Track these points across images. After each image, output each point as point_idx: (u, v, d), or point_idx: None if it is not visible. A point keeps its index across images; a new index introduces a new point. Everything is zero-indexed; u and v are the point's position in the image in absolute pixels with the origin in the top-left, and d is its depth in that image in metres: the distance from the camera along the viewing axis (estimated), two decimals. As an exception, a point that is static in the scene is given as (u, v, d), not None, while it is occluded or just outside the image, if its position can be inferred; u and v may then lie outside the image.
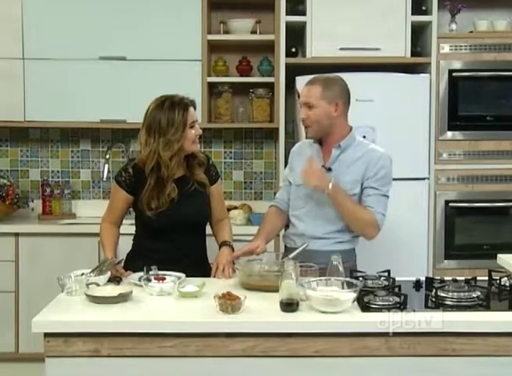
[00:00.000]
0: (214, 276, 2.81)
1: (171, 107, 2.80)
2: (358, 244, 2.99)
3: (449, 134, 4.08)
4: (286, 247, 3.05)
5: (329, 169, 2.88)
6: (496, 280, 2.63)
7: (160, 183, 2.82)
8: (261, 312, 2.30)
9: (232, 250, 2.87)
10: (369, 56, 4.04)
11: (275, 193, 3.51)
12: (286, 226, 3.13)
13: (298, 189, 2.95)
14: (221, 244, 2.92)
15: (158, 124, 2.79)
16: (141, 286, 2.54)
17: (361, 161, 2.86)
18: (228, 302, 2.26)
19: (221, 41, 4.38)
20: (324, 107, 2.82)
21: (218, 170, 3.07)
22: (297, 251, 2.70)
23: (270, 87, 4.33)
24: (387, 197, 2.87)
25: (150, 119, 2.81)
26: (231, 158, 4.63)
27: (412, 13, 4.05)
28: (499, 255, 3.18)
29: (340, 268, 2.45)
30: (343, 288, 2.37)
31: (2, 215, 4.23)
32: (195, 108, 2.90)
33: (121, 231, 3.00)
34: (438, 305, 2.37)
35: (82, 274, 2.58)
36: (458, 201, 4.10)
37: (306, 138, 2.97)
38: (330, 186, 2.74)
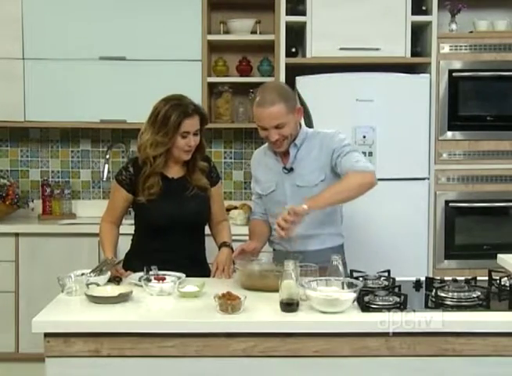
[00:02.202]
0: (214, 276, 2.81)
1: (172, 108, 2.77)
2: (344, 239, 2.99)
3: (449, 134, 4.08)
4: (274, 250, 3.02)
5: (291, 169, 2.88)
6: (496, 280, 2.63)
7: (154, 176, 2.83)
8: (261, 312, 2.30)
9: (232, 250, 2.87)
10: (369, 56, 4.04)
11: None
12: None
13: (269, 196, 2.96)
14: (221, 245, 2.92)
15: (155, 118, 2.79)
16: (141, 286, 2.54)
17: (316, 149, 2.86)
18: (229, 302, 2.26)
19: (221, 41, 4.38)
20: (292, 119, 2.80)
21: (218, 172, 3.07)
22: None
23: (270, 87, 4.33)
24: (355, 151, 2.81)
25: (153, 111, 2.82)
26: (231, 158, 4.63)
27: (412, 13, 4.05)
28: (499, 255, 3.18)
29: (340, 268, 2.45)
30: (343, 288, 2.37)
31: (2, 215, 4.23)
32: (203, 118, 2.86)
33: (121, 231, 2.99)
34: (438, 305, 2.37)
35: (82, 274, 2.58)
36: (458, 201, 4.10)
37: (277, 152, 2.90)
38: (305, 207, 2.60)
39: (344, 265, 2.78)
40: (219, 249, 2.92)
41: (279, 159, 2.92)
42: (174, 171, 2.90)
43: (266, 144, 2.99)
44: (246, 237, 3.09)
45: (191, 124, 2.79)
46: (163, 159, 2.82)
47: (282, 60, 4.10)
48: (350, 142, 2.89)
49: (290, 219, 2.56)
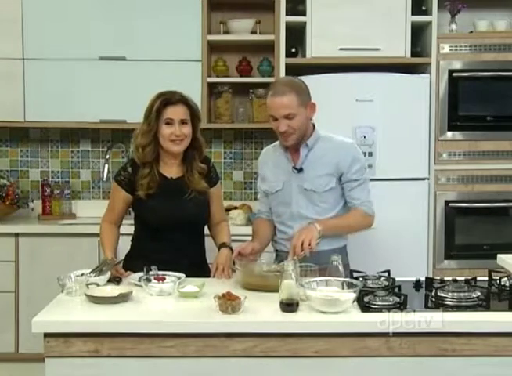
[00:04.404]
0: (214, 277, 2.81)
1: (157, 96, 2.81)
2: (348, 240, 3.00)
3: (449, 134, 4.08)
4: (277, 251, 3.02)
5: (301, 169, 2.88)
6: (496, 280, 2.64)
7: (148, 167, 2.85)
8: (261, 312, 2.30)
9: (232, 251, 2.87)
10: (369, 56, 4.04)
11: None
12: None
13: (276, 195, 2.96)
14: (220, 246, 2.92)
15: (146, 108, 2.83)
16: (141, 286, 2.54)
17: (330, 155, 2.87)
18: (229, 302, 2.26)
19: (221, 42, 4.38)
20: (303, 113, 2.81)
21: (217, 172, 3.07)
22: (301, 254, 2.68)
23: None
24: (367, 180, 2.93)
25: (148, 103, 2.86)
26: (231, 158, 4.63)
27: (412, 13, 4.05)
28: (499, 255, 3.18)
29: (340, 268, 2.45)
30: (343, 288, 2.37)
31: (2, 215, 4.23)
32: (193, 112, 2.86)
33: (121, 231, 3.00)
34: (438, 305, 2.37)
35: (82, 274, 2.58)
36: (458, 201, 4.10)
37: (286, 146, 2.90)
38: (319, 227, 2.72)
39: (347, 266, 2.79)
40: (218, 250, 2.92)
41: (289, 158, 2.92)
42: (172, 171, 2.90)
43: (276, 143, 3.00)
44: (246, 237, 3.09)
45: (174, 111, 2.80)
46: (151, 148, 2.83)
47: (282, 60, 4.10)
48: (364, 163, 2.93)
49: (307, 246, 2.65)
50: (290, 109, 2.77)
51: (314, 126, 2.92)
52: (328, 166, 2.86)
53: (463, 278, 2.64)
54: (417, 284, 2.67)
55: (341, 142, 2.92)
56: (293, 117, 2.78)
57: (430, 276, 3.10)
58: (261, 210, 3.09)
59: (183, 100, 2.83)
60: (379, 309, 2.27)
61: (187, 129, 2.83)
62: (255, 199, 4.56)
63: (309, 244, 2.65)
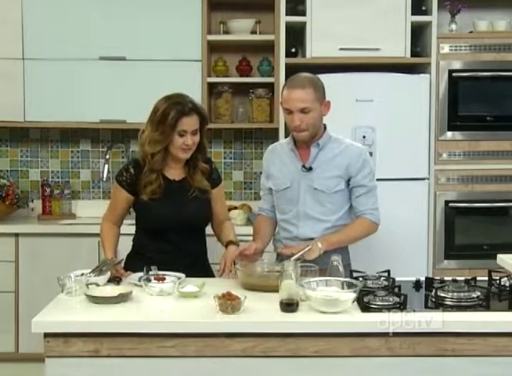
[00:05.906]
0: (221, 276, 2.79)
1: (171, 106, 2.76)
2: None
3: (449, 134, 4.08)
4: (278, 254, 3.02)
5: (310, 168, 2.88)
6: (496, 280, 2.64)
7: (155, 173, 2.84)
8: (261, 312, 2.30)
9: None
10: (369, 56, 4.04)
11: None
12: None
13: (282, 193, 2.95)
14: (228, 243, 2.89)
15: (154, 116, 2.79)
16: (141, 286, 2.54)
17: (341, 157, 2.87)
18: (228, 302, 2.26)
19: (221, 42, 4.38)
20: (318, 109, 2.82)
21: (219, 173, 3.07)
22: (301, 252, 2.68)
23: (270, 87, 4.33)
24: (375, 187, 2.92)
25: (153, 109, 2.81)
26: (231, 158, 4.63)
27: (412, 13, 4.05)
28: (498, 255, 3.18)
29: (340, 268, 2.45)
30: (343, 288, 2.37)
31: (2, 215, 4.23)
32: (203, 118, 2.84)
33: (121, 231, 2.99)
34: (438, 305, 2.37)
35: (82, 274, 2.58)
36: (458, 201, 4.10)
37: (299, 141, 2.90)
38: (320, 245, 2.72)
39: (349, 266, 2.79)
40: (226, 247, 2.89)
41: (298, 156, 2.92)
42: (176, 173, 2.90)
43: (282, 140, 2.99)
44: (246, 237, 3.09)
45: (188, 122, 2.78)
46: (161, 156, 2.82)
47: (282, 60, 4.10)
48: (373, 169, 2.94)
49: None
50: (306, 103, 2.77)
51: (325, 127, 2.93)
52: (338, 168, 2.86)
53: (463, 278, 2.64)
54: (417, 284, 2.67)
55: (352, 146, 2.93)
56: (308, 112, 2.78)
57: (430, 276, 3.10)
58: (262, 207, 3.09)
59: (195, 109, 2.81)
60: (379, 309, 2.27)
61: (197, 138, 2.83)
62: (255, 199, 4.58)
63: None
